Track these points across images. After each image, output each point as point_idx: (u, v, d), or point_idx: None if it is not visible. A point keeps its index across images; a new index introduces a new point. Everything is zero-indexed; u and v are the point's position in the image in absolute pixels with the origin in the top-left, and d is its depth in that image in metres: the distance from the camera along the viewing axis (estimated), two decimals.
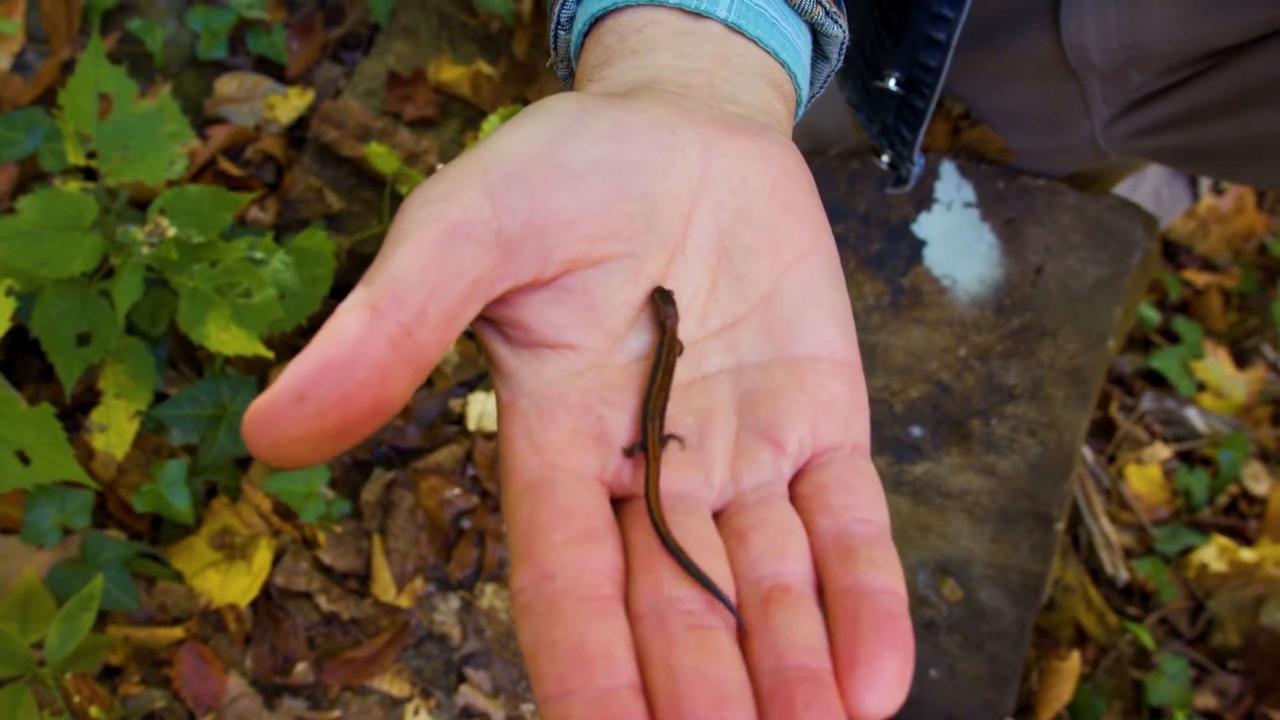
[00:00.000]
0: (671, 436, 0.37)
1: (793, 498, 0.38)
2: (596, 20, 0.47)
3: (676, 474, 0.37)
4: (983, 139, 0.99)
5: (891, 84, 0.77)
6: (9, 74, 1.13)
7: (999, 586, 1.05)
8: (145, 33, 1.15)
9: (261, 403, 0.31)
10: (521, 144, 0.37)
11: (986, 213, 1.02)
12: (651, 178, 0.38)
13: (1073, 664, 1.07)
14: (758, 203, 0.40)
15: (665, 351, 0.38)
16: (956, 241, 1.02)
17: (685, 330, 0.39)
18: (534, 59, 1.36)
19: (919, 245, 1.04)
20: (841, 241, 1.06)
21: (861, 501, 0.36)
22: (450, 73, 1.28)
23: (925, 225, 1.03)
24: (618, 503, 0.37)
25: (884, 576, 0.34)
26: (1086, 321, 0.99)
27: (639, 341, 0.39)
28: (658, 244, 0.39)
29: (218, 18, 1.19)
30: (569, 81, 0.52)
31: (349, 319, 0.32)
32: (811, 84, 0.53)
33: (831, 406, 0.38)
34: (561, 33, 0.51)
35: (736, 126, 0.42)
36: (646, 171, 0.38)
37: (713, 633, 0.33)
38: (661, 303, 0.39)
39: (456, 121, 1.28)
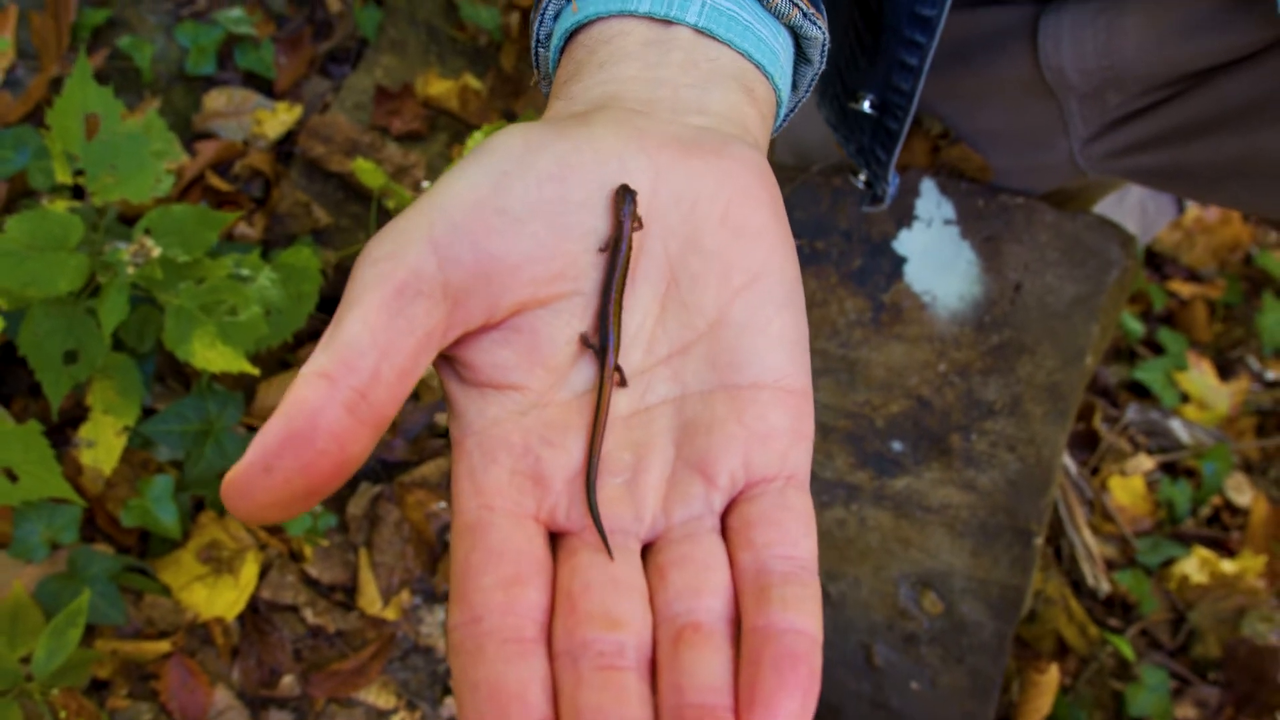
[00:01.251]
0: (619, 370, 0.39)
1: (723, 530, 0.39)
2: (571, 35, 0.48)
3: (609, 509, 0.38)
4: (962, 157, 1.00)
5: (866, 106, 0.78)
6: None
7: (979, 600, 1.06)
8: (134, 49, 1.16)
9: (234, 474, 0.32)
10: (466, 191, 0.38)
11: (966, 230, 1.03)
12: (596, 215, 0.39)
13: (1052, 677, 1.08)
14: (708, 229, 0.41)
15: (624, 255, 0.39)
16: (937, 258, 1.03)
17: (632, 360, 0.40)
18: (521, 72, 1.37)
19: (900, 262, 1.05)
20: (823, 257, 1.07)
21: (785, 537, 0.37)
22: (438, 87, 1.29)
23: (906, 242, 1.04)
24: (554, 536, 0.38)
25: (795, 616, 0.35)
26: (1065, 338, 1.00)
27: (581, 376, 0.40)
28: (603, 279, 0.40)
29: (206, 33, 1.20)
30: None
31: (307, 390, 0.33)
32: (795, 88, 0.54)
33: (768, 438, 0.39)
34: (541, 50, 0.51)
35: (693, 145, 0.42)
36: (591, 209, 0.39)
37: (620, 673, 0.34)
38: (621, 201, 0.40)
39: (444, 135, 1.29)
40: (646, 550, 0.38)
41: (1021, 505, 1.04)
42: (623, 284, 0.39)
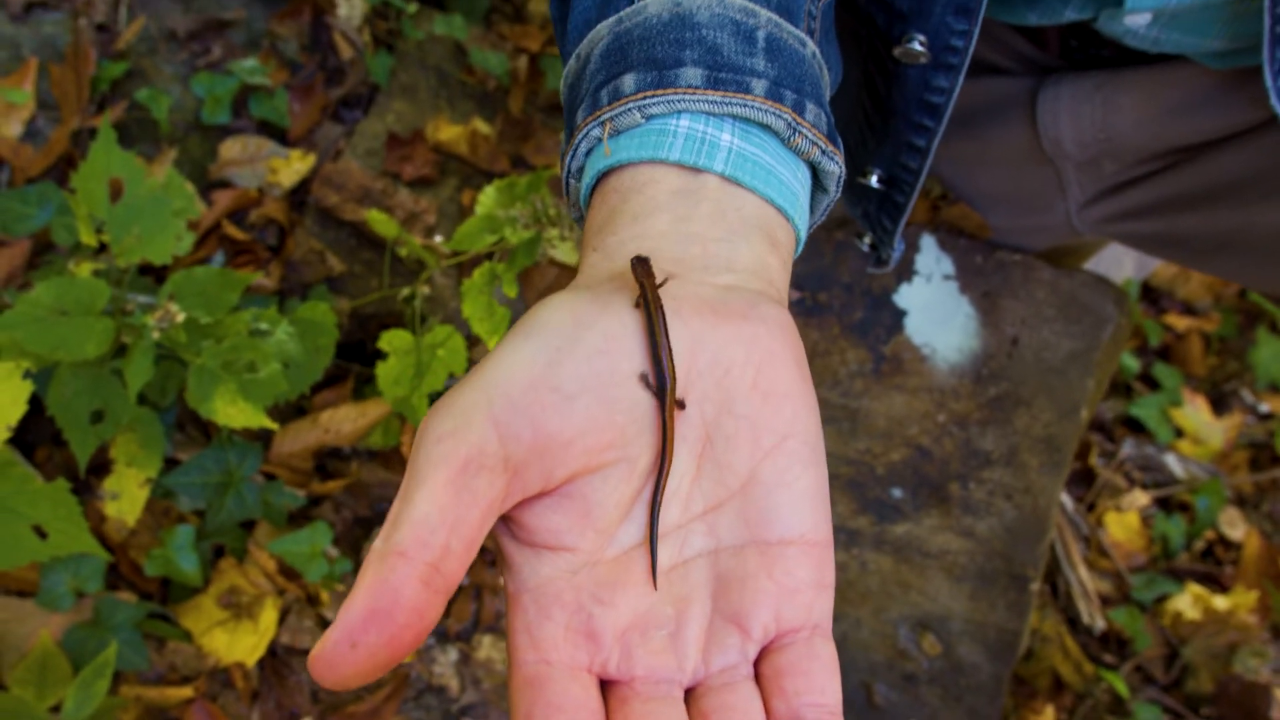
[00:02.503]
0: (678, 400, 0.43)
1: (757, 676, 0.42)
2: (602, 176, 0.51)
3: (655, 659, 0.41)
4: (961, 216, 1.02)
5: (874, 181, 0.81)
6: (20, 143, 1.16)
7: (977, 642, 1.09)
8: (151, 101, 1.19)
9: (322, 650, 0.35)
10: (522, 369, 0.41)
11: (965, 285, 1.05)
12: (639, 386, 0.42)
13: (1047, 718, 1.11)
14: (740, 393, 0.44)
15: (653, 307, 0.43)
16: (936, 312, 1.06)
17: (670, 516, 0.44)
18: (529, 115, 1.39)
19: (900, 315, 1.07)
20: (825, 309, 1.09)
21: (814, 685, 0.40)
22: (448, 132, 1.32)
23: (906, 296, 1.07)
24: (605, 684, 0.42)
25: None
26: (1060, 392, 1.03)
27: (627, 533, 0.43)
28: (648, 443, 0.43)
29: (221, 83, 1.23)
30: (581, 224, 0.56)
31: (385, 569, 0.36)
32: (812, 212, 0.57)
33: (796, 593, 0.42)
34: (572, 182, 0.54)
35: (723, 309, 0.45)
36: (634, 380, 0.42)
37: None
38: (640, 270, 0.44)
39: (454, 180, 1.32)
40: (688, 695, 0.42)
41: (1018, 552, 1.07)
42: (667, 340, 0.43)
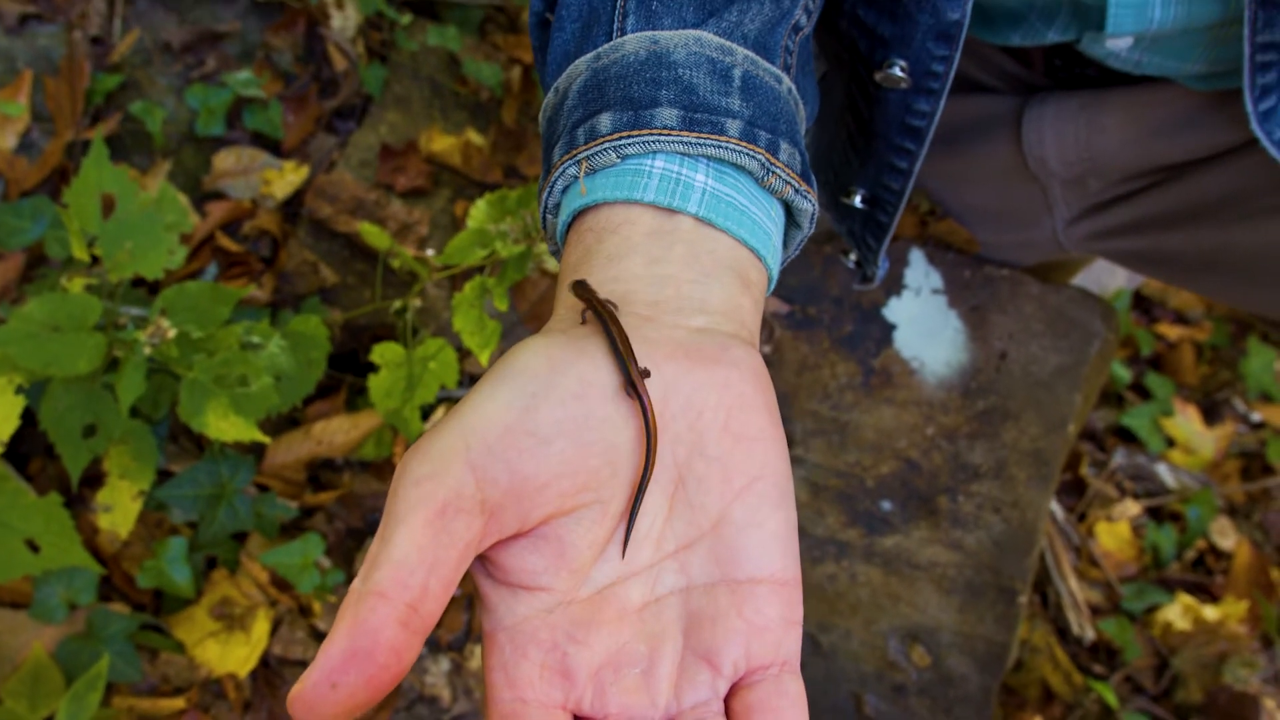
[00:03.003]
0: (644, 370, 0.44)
1: (728, 712, 0.43)
2: (578, 214, 0.51)
3: (628, 697, 0.42)
4: (949, 231, 1.03)
5: (857, 201, 0.81)
6: (15, 155, 1.17)
7: (965, 654, 1.09)
8: (145, 114, 1.19)
9: (302, 690, 0.36)
10: (498, 414, 0.41)
11: (953, 300, 1.06)
12: (615, 429, 0.43)
13: None
14: (711, 436, 0.44)
15: (609, 320, 0.45)
16: (925, 326, 1.07)
17: (642, 555, 0.44)
18: (523, 126, 1.40)
19: (889, 329, 1.08)
20: (815, 323, 1.10)
21: None
22: (441, 143, 1.33)
23: (895, 310, 1.08)
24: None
25: None
26: (1048, 407, 1.04)
27: (601, 573, 0.44)
28: (621, 486, 0.43)
29: (215, 95, 1.24)
30: (558, 257, 0.56)
31: (364, 610, 0.37)
32: (786, 247, 0.57)
33: (765, 630, 0.43)
34: (549, 217, 0.55)
35: (697, 353, 0.46)
36: (610, 425, 0.43)
37: None
38: (582, 291, 0.46)
39: (447, 191, 1.33)
40: None
41: (1006, 565, 1.07)
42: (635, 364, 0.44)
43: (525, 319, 1.26)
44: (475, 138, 1.35)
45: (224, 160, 1.25)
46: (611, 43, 0.52)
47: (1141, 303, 1.59)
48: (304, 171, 1.26)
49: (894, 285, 1.07)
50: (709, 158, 0.49)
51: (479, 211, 1.11)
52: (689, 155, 0.49)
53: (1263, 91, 0.68)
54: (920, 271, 1.07)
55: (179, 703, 1.02)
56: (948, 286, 1.06)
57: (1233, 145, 0.79)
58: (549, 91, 0.56)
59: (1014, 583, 1.07)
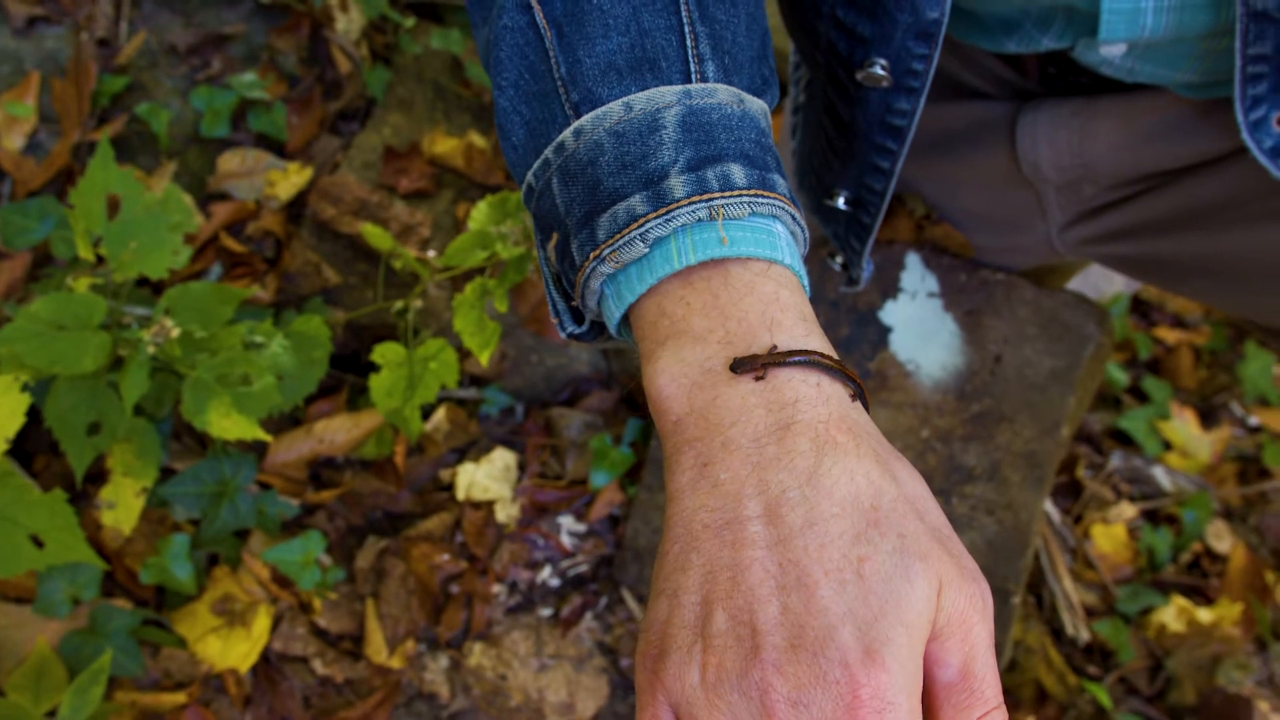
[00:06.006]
0: None
1: None
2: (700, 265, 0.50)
3: None
4: (945, 235, 1.04)
5: (840, 203, 0.82)
6: (22, 156, 1.18)
7: None
8: (151, 116, 1.21)
9: None
10: None
11: (949, 303, 1.07)
12: None
13: None
14: None
15: None
16: (920, 329, 1.07)
17: None
18: None
19: (885, 331, 1.09)
20: None
21: None
22: (444, 145, 1.34)
23: (891, 313, 1.09)
24: None
25: None
26: (1041, 410, 1.05)
27: None
28: None
29: (220, 97, 1.25)
30: (621, 332, 0.55)
31: None
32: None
33: None
34: (622, 249, 0.51)
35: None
36: None
37: None
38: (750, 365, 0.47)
39: (450, 193, 1.34)
40: None
41: (999, 566, 1.08)
42: None
43: (525, 321, 1.28)
44: (478, 140, 1.36)
45: (229, 162, 1.26)
46: (705, 86, 0.53)
47: (1140, 306, 1.60)
48: (308, 173, 1.28)
49: (890, 289, 1.08)
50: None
51: (480, 213, 1.12)
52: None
53: (1254, 102, 0.69)
54: (916, 275, 1.08)
55: (180, 697, 1.03)
56: (944, 290, 1.07)
57: (1223, 153, 0.80)
58: (611, 105, 0.53)
59: (1007, 584, 1.08)
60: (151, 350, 0.93)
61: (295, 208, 1.28)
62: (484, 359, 1.02)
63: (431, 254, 1.10)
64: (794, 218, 0.52)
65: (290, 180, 1.26)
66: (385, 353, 1.08)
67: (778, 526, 0.44)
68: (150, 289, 1.17)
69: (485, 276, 1.06)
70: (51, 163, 1.17)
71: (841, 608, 0.42)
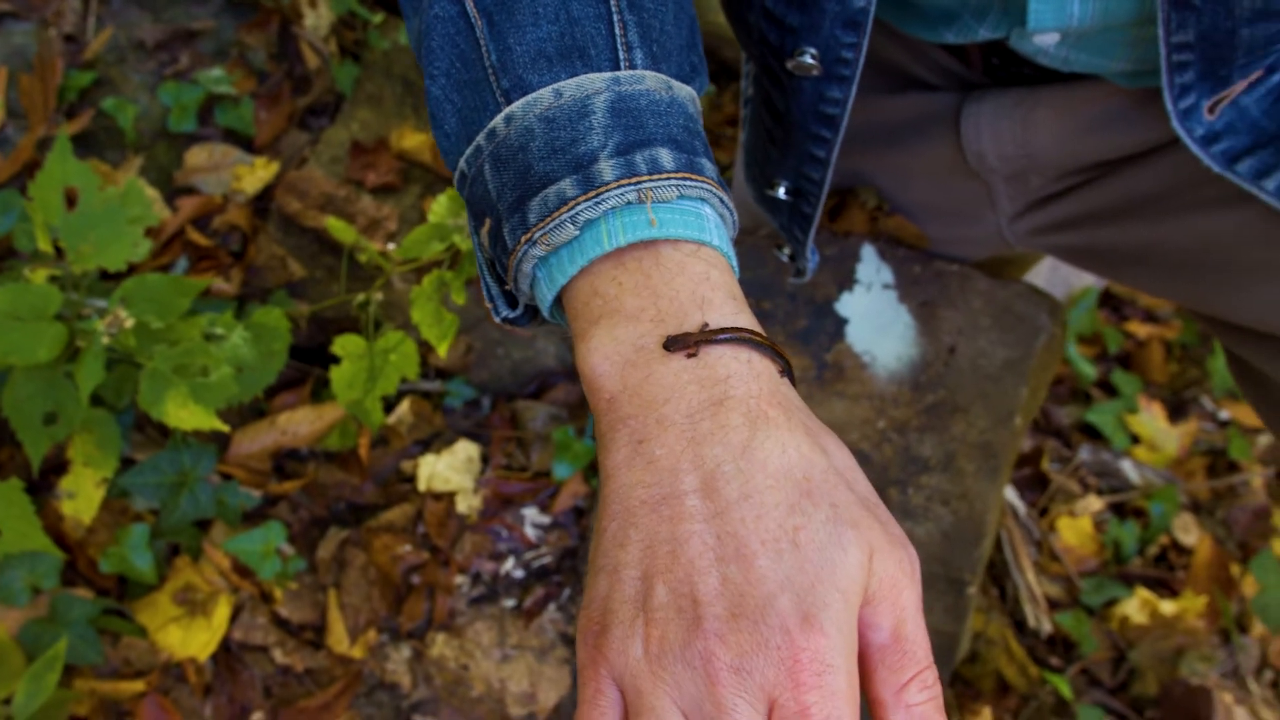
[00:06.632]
0: None
1: None
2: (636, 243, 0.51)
3: None
4: (899, 227, 1.04)
5: (781, 193, 0.83)
6: None
7: None
8: (117, 111, 1.22)
9: None
10: None
11: (904, 294, 1.07)
12: None
13: (984, 718, 1.13)
14: None
15: None
16: (876, 321, 1.08)
17: None
18: None
19: (842, 323, 1.09)
20: (770, 317, 1.11)
21: None
22: (412, 140, 1.35)
23: (847, 304, 1.09)
24: None
25: None
26: (995, 400, 1.05)
27: None
28: None
29: (187, 93, 1.26)
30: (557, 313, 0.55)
31: None
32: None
33: None
34: (567, 226, 0.51)
35: None
36: None
37: None
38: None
39: (417, 187, 1.35)
40: None
41: (955, 556, 1.09)
42: None
43: (489, 314, 1.28)
44: None
45: (196, 156, 1.27)
46: (634, 73, 0.53)
47: (1111, 301, 1.61)
48: (274, 167, 1.29)
49: (846, 281, 1.09)
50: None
51: (439, 206, 1.13)
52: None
53: (1182, 90, 0.69)
54: (872, 267, 1.08)
55: (139, 685, 1.04)
56: (898, 282, 1.08)
57: (1160, 142, 0.80)
58: (542, 91, 0.53)
59: (963, 574, 1.09)
60: (106, 341, 0.94)
61: (262, 202, 1.29)
62: (442, 350, 1.03)
63: (391, 247, 1.11)
64: (722, 201, 0.53)
65: (257, 175, 1.27)
66: (345, 345, 1.08)
67: (714, 500, 0.45)
68: (116, 282, 1.18)
69: (444, 269, 1.06)
70: (17, 156, 1.18)
71: (779, 576, 0.43)
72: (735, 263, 0.54)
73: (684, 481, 0.46)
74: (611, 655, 0.45)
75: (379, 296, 1.11)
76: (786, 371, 0.51)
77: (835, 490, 0.45)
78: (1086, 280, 1.56)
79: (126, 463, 1.11)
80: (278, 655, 1.11)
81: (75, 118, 1.22)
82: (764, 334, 0.50)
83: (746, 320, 0.50)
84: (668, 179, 0.51)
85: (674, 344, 0.48)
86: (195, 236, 1.22)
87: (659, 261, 0.51)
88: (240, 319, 1.13)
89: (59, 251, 1.13)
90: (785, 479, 0.45)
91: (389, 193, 1.33)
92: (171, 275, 0.99)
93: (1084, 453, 1.45)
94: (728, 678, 0.42)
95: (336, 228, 1.17)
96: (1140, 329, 1.58)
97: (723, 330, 0.48)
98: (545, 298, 0.54)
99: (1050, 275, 1.52)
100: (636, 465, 0.47)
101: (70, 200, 1.02)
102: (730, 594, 0.43)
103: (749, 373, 0.48)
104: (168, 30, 1.31)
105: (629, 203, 0.51)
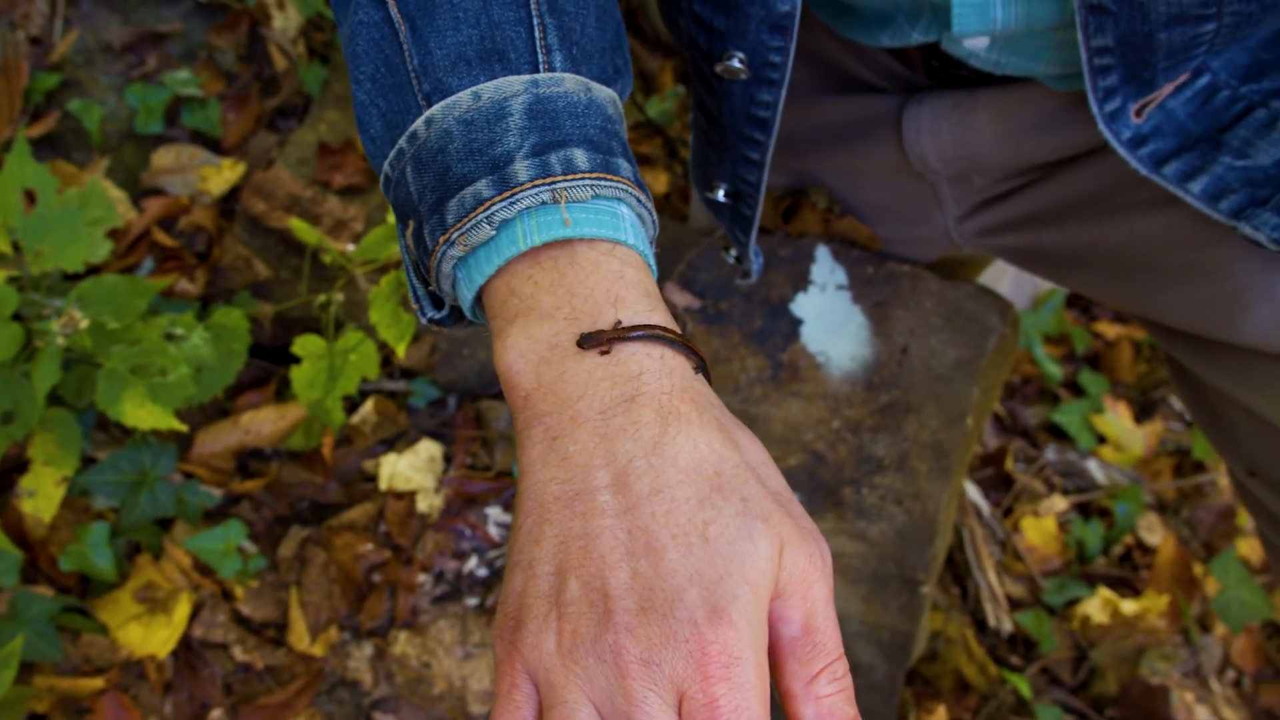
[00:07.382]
0: None
1: None
2: (550, 243, 0.52)
3: None
4: (851, 228, 1.05)
5: (720, 195, 0.84)
6: None
7: (871, 643, 1.11)
8: (83, 112, 1.23)
9: None
10: None
11: (857, 295, 1.08)
12: None
13: (939, 717, 1.14)
14: None
15: None
16: (830, 321, 1.09)
17: None
18: None
19: (796, 323, 1.10)
20: (726, 318, 1.12)
21: None
22: None
23: (802, 305, 1.10)
24: None
25: None
26: (947, 400, 1.06)
27: None
28: None
29: (154, 94, 1.27)
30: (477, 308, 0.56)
31: None
32: None
33: None
34: (452, 251, 0.53)
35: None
36: None
37: None
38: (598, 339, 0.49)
39: None
40: None
41: (908, 555, 1.09)
42: None
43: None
44: None
45: (163, 157, 1.28)
46: (552, 75, 0.54)
47: (1079, 301, 1.61)
48: (241, 169, 1.30)
49: (800, 281, 1.10)
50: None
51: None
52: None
53: (1106, 93, 0.70)
54: (826, 268, 1.09)
55: (99, 682, 1.05)
56: (852, 282, 1.08)
57: (1096, 145, 0.81)
58: (461, 94, 0.54)
59: (916, 573, 1.10)
60: (62, 341, 0.95)
61: (229, 203, 1.30)
62: (400, 351, 1.04)
63: (350, 248, 1.12)
64: (639, 200, 0.54)
65: (223, 176, 1.28)
66: (306, 345, 1.09)
67: (626, 495, 0.45)
68: (78, 283, 1.19)
69: (400, 269, 1.07)
70: None
71: (688, 569, 0.44)
72: (653, 261, 0.55)
73: (596, 477, 0.46)
74: (526, 650, 0.45)
75: (340, 297, 1.12)
76: (701, 368, 0.52)
77: (746, 485, 0.46)
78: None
79: (88, 461, 1.12)
80: (238, 653, 1.12)
81: (40, 119, 1.24)
82: (678, 331, 0.51)
83: (660, 318, 0.51)
84: (582, 179, 0.52)
85: (588, 341, 0.49)
86: (161, 237, 1.23)
87: (574, 260, 0.52)
88: (203, 319, 1.14)
89: (18, 252, 1.14)
90: (696, 474, 0.46)
91: (356, 194, 1.34)
92: (129, 276, 1.00)
93: (1050, 453, 1.46)
94: (637, 670, 0.43)
95: (300, 229, 1.18)
96: (1109, 329, 1.59)
97: (636, 327, 0.49)
98: (465, 298, 0.55)
99: (1017, 275, 1.53)
100: (551, 461, 0.48)
101: (30, 202, 1.03)
102: (640, 588, 0.44)
103: (661, 369, 0.49)
104: (136, 32, 1.32)
105: (544, 203, 0.51)
